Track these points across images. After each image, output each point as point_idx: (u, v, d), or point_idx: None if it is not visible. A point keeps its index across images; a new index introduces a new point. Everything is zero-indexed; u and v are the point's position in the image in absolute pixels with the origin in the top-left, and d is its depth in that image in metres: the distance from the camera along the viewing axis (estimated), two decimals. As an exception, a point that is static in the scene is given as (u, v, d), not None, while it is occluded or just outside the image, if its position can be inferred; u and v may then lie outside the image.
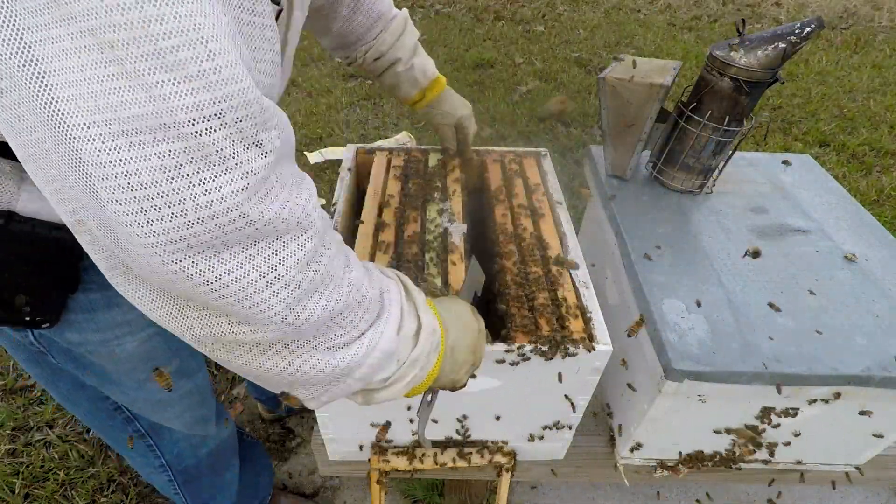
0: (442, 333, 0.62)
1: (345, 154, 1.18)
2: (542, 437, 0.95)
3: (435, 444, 0.97)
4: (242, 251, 0.41)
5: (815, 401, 0.84)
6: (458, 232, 0.94)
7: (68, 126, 0.35)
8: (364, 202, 1.03)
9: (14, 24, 0.34)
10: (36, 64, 0.35)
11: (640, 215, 1.05)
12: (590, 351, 0.77)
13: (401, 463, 0.97)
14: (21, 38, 0.34)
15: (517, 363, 0.79)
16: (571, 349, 0.77)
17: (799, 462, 0.99)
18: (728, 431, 0.91)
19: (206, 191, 0.37)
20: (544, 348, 0.77)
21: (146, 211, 0.37)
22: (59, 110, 0.35)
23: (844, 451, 0.97)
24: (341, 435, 0.95)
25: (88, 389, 0.83)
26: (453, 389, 0.67)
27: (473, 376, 0.67)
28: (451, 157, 1.15)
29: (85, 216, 0.40)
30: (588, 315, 0.82)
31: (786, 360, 0.79)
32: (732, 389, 0.80)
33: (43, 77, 0.35)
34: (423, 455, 0.97)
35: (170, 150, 0.36)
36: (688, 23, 4.37)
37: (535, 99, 3.19)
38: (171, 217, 0.37)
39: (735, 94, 0.98)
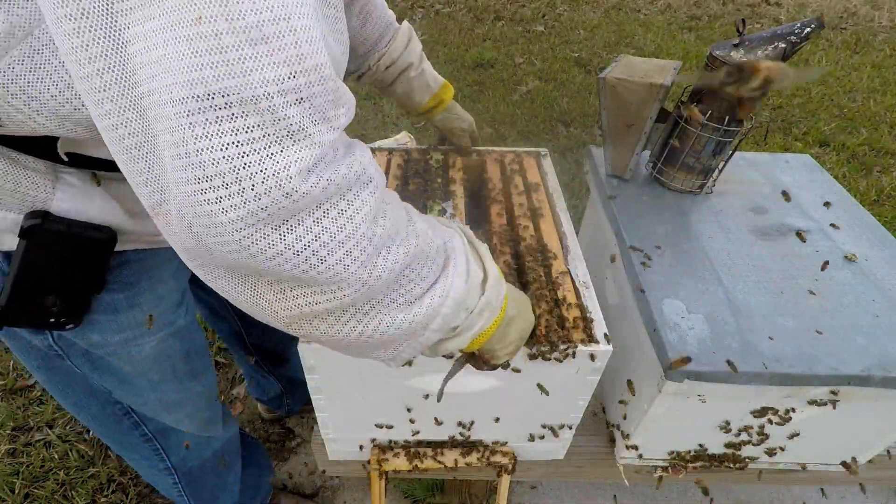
0: (505, 295, 0.61)
1: (345, 154, 1.17)
2: (542, 437, 0.95)
3: (436, 444, 0.97)
4: (310, 215, 0.41)
5: (814, 401, 0.84)
6: (458, 232, 0.94)
7: (147, 106, 0.36)
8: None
9: (110, 9, 0.35)
10: (125, 46, 0.36)
11: (640, 215, 1.05)
12: (592, 360, 0.77)
13: (401, 463, 0.97)
14: (114, 21, 0.35)
15: (519, 370, 0.79)
16: (571, 349, 0.77)
17: (799, 462, 0.99)
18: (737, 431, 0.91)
19: (275, 163, 0.37)
20: (545, 349, 0.77)
21: (216, 188, 0.37)
22: (139, 90, 0.36)
23: (844, 451, 0.97)
24: (341, 435, 0.95)
25: (98, 395, 0.83)
26: (486, 363, 0.67)
27: (505, 366, 0.67)
28: (462, 155, 1.17)
29: (161, 199, 0.40)
30: (588, 315, 0.82)
31: (786, 360, 0.79)
32: (732, 389, 0.80)
33: (129, 58, 0.36)
34: (423, 455, 0.97)
35: (245, 126, 0.36)
36: (688, 23, 4.37)
37: (535, 99, 3.20)
38: (241, 192, 0.37)
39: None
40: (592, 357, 0.78)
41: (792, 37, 0.92)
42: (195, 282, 1.06)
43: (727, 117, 1.00)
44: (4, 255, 0.63)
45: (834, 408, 0.84)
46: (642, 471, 1.01)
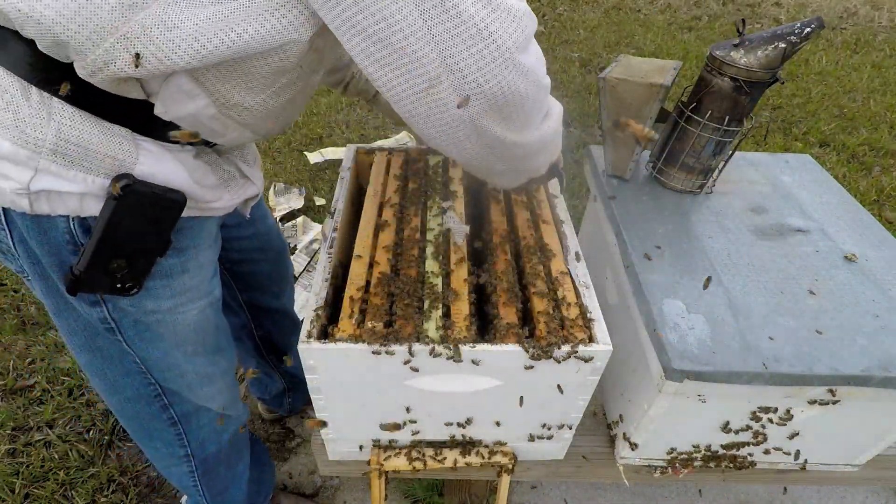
0: None
1: (345, 154, 1.18)
2: (542, 437, 0.95)
3: (436, 444, 0.97)
4: (531, 44, 0.61)
5: (814, 401, 0.84)
6: (460, 233, 0.94)
7: (431, 12, 0.53)
8: (364, 202, 1.03)
9: None
10: None
11: (640, 215, 1.05)
12: (586, 360, 0.77)
13: (401, 463, 0.97)
14: None
15: (531, 367, 0.79)
16: (572, 349, 0.77)
17: (798, 462, 0.99)
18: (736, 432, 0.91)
19: (518, 10, 0.58)
20: (545, 349, 0.77)
21: (504, 33, 0.56)
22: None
23: (844, 451, 0.97)
24: (341, 435, 0.95)
25: (134, 376, 0.86)
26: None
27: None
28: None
29: (440, 70, 0.57)
30: (588, 315, 0.82)
31: (786, 360, 0.79)
32: (732, 389, 0.80)
33: None
34: (423, 455, 0.97)
35: None
36: (688, 23, 4.37)
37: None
38: (511, 35, 0.57)
39: (735, 94, 0.98)
40: (592, 357, 0.78)
41: (792, 37, 0.92)
42: None
43: (727, 117, 1.00)
44: (81, 222, 0.65)
45: (838, 400, 0.84)
46: (642, 470, 1.02)
